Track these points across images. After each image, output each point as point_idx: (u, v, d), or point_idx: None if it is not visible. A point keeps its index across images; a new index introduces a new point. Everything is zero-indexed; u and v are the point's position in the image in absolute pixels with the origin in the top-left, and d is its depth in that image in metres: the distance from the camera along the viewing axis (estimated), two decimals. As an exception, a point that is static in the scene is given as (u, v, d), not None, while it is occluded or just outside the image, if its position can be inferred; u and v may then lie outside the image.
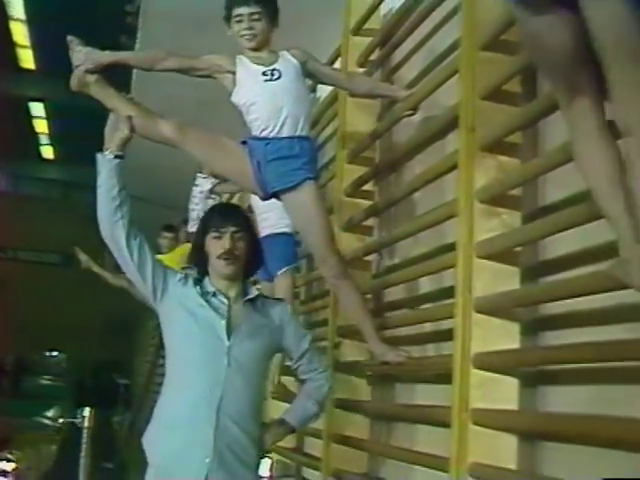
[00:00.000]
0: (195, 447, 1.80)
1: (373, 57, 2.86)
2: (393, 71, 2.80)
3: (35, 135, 14.53)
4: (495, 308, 1.73)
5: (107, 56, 2.21)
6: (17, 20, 10.68)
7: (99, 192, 1.91)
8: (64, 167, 15.86)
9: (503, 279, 1.73)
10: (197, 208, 3.96)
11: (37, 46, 11.43)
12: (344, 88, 2.62)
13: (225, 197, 4.22)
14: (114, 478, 6.54)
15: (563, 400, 1.66)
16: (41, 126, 14.19)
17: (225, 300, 1.93)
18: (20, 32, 11.16)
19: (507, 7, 1.46)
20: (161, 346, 2.59)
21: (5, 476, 2.67)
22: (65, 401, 12.21)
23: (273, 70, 2.17)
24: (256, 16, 2.16)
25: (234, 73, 2.18)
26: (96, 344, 14.26)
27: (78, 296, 13.84)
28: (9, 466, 2.69)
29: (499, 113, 1.77)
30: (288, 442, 3.32)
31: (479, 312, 1.71)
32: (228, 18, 2.19)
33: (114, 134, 1.94)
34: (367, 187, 2.77)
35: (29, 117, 13.66)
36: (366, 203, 2.72)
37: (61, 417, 10.22)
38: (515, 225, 1.77)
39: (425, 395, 2.25)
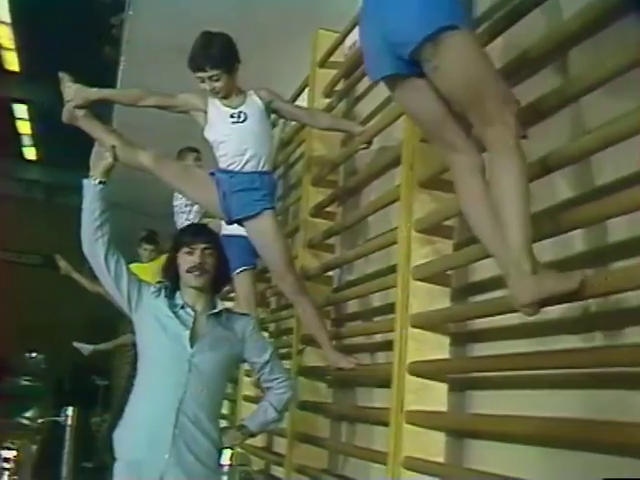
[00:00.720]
0: (156, 444, 2.00)
1: (338, 88, 3.12)
2: (355, 102, 3.06)
3: (18, 136, 14.58)
4: (428, 323, 1.99)
5: (94, 93, 2.47)
6: (2, 23, 10.77)
7: (83, 214, 2.14)
8: (46, 168, 15.91)
9: (436, 298, 1.99)
10: (179, 203, 4.11)
11: (22, 49, 11.52)
12: (306, 124, 2.89)
13: None
14: (94, 477, 6.70)
15: (486, 403, 1.92)
16: (24, 127, 14.26)
17: (192, 312, 2.13)
18: (5, 35, 11.24)
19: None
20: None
21: (7, 462, 2.86)
22: (44, 402, 12.23)
23: (240, 112, 2.44)
24: (215, 77, 2.39)
25: (206, 112, 2.45)
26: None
27: (58, 297, 13.86)
28: (11, 454, 2.88)
29: (436, 153, 2.04)
30: (258, 442, 3.57)
31: (414, 327, 1.98)
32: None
33: (99, 162, 2.17)
34: (330, 209, 3.03)
35: (12, 118, 13.73)
36: (329, 223, 2.98)
37: (40, 417, 10.28)
38: (447, 251, 2.03)
39: (377, 398, 2.51)
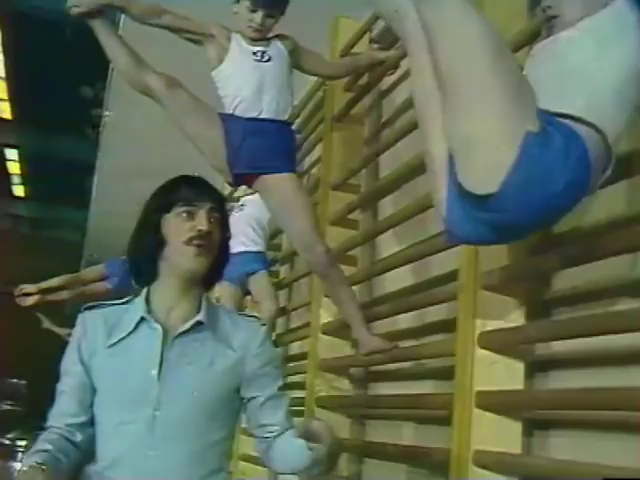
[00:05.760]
0: None
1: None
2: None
3: (8, 176, 15.49)
4: (333, 368, 2.70)
5: None
6: (-1, 77, 11.70)
7: None
8: (32, 204, 16.74)
9: (338, 348, 2.75)
10: None
11: (14, 99, 12.44)
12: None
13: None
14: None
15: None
16: (14, 168, 15.18)
17: (157, 327, 1.36)
18: (0, 87, 12.19)
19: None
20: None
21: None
22: (25, 425, 12.82)
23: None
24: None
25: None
26: (57, 371, 14.83)
27: (41, 325, 14.44)
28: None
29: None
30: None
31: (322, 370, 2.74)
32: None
33: None
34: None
35: (3, 160, 14.65)
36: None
37: (20, 440, 11.01)
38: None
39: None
